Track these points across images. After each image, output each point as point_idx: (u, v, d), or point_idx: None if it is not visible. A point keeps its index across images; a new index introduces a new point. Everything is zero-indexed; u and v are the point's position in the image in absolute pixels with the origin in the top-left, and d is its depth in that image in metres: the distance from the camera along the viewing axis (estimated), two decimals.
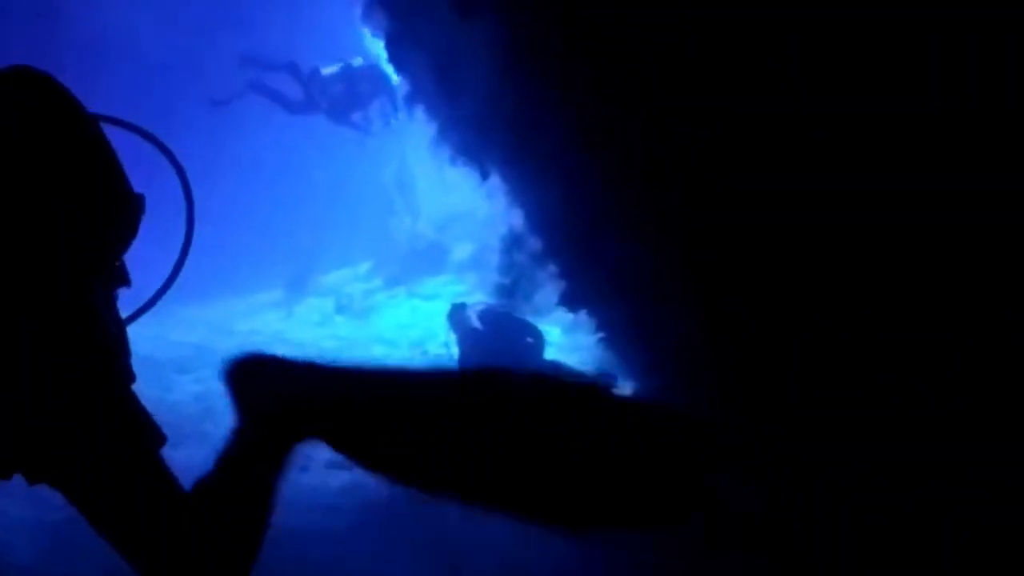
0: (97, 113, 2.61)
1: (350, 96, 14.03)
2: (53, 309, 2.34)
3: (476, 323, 9.22)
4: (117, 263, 2.61)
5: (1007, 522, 3.30)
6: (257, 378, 2.65)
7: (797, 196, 3.39)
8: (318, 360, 2.59)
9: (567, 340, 10.61)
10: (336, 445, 2.48)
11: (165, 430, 2.66)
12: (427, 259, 16.17)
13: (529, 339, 8.98)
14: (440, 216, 17.90)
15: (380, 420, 2.42)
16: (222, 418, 9.11)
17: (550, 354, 10.32)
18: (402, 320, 13.90)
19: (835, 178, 3.23)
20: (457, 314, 9.61)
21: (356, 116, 14.38)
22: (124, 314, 2.73)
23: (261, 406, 2.60)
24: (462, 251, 16.24)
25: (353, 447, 2.47)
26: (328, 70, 13.97)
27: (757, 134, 3.54)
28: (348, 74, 14.01)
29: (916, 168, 3.00)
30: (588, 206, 5.00)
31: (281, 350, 9.27)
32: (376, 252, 18.25)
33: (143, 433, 2.51)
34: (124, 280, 2.68)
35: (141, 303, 3.04)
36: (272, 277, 17.99)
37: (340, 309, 15.08)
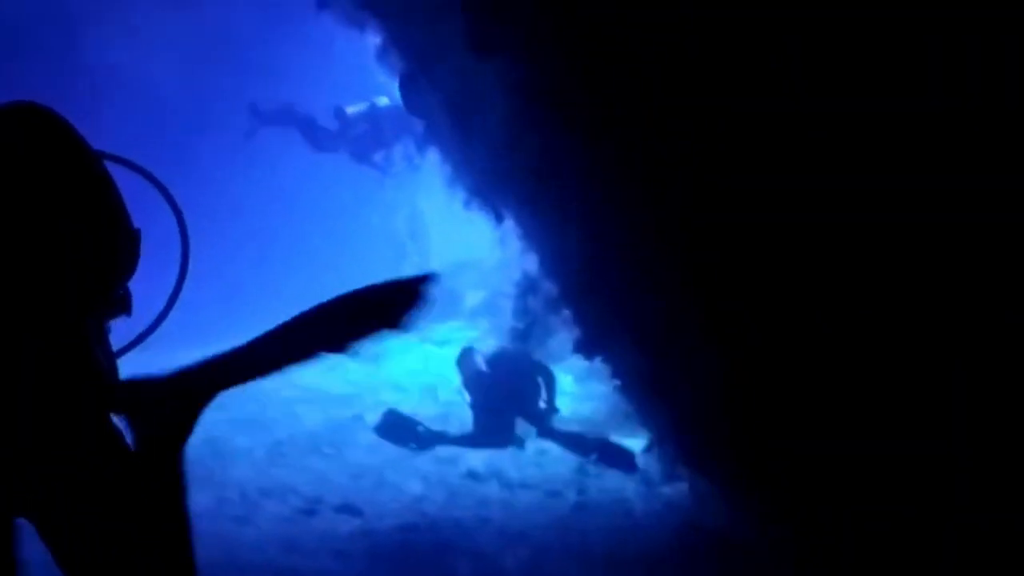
0: (101, 150, 2.70)
1: (374, 136, 13.84)
2: (58, 330, 2.44)
3: (483, 366, 9.10)
4: (119, 293, 2.73)
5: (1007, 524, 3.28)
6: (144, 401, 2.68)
7: (830, 235, 3.34)
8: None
9: (580, 389, 10.51)
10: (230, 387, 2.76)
11: None
12: (439, 305, 16.00)
13: (540, 379, 8.84)
14: (451, 261, 17.85)
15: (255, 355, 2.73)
16: (229, 460, 9.01)
17: (563, 403, 10.22)
18: (414, 366, 13.76)
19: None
20: (465, 358, 9.52)
21: (378, 156, 14.19)
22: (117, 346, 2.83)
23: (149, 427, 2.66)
24: (474, 297, 16.17)
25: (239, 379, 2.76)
26: (353, 108, 13.81)
27: (786, 178, 3.49)
28: (373, 113, 13.89)
29: (924, 168, 2.96)
30: (605, 251, 4.93)
31: (289, 393, 9.16)
32: None
33: (122, 464, 2.54)
34: (125, 309, 2.78)
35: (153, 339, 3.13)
36: (280, 319, 17.88)
37: (351, 354, 14.94)
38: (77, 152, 2.54)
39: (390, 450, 9.24)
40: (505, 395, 9.00)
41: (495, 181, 5.75)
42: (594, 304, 5.17)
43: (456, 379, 11.65)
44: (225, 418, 10.77)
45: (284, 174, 19.49)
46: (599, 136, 4.56)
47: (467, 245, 18.08)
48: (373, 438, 9.76)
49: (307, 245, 20.08)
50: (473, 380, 9.21)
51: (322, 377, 13.78)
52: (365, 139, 13.82)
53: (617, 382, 5.40)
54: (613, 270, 4.94)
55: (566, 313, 5.60)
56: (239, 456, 9.10)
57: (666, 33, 3.79)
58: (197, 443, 8.49)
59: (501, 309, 13.28)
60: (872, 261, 3.33)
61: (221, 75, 18.13)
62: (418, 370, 13.42)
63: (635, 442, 8.62)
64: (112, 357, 2.71)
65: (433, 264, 17.92)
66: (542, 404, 8.98)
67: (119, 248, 2.57)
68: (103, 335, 2.68)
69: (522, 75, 4.70)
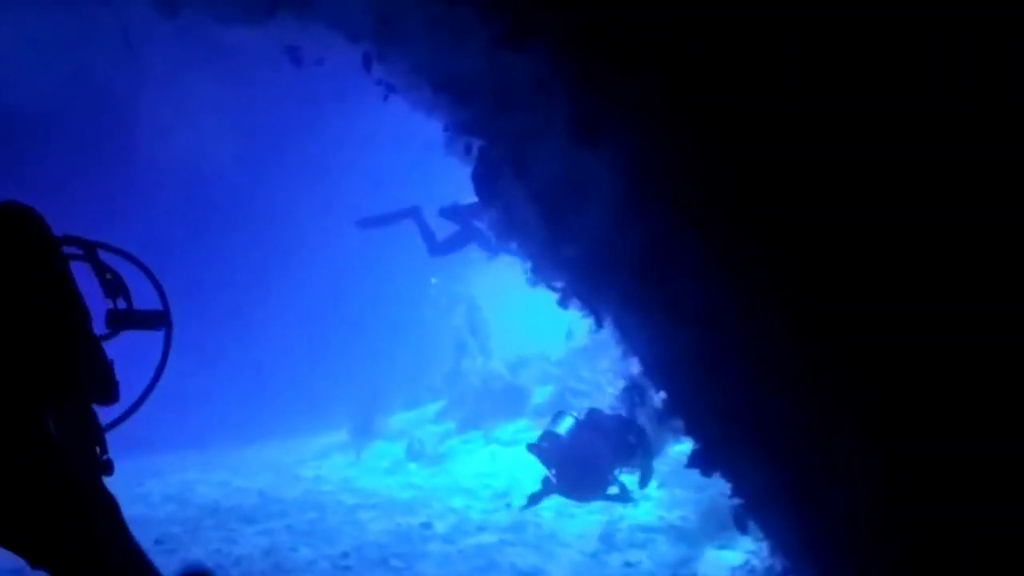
0: (94, 240, 3.39)
1: None
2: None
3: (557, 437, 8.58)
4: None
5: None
6: None
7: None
8: None
9: (665, 495, 9.93)
10: None
11: None
12: (503, 402, 15.52)
13: (631, 438, 8.18)
14: (513, 356, 17.43)
15: None
16: (293, 575, 8.35)
17: (647, 508, 9.63)
18: (481, 468, 13.23)
19: None
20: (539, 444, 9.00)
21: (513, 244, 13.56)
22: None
23: None
24: (540, 394, 15.61)
25: None
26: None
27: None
28: None
29: None
30: (725, 353, 4.41)
31: (349, 500, 8.74)
32: (446, 393, 17.77)
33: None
34: (108, 398, 3.20)
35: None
36: (336, 418, 17.57)
37: (412, 455, 14.42)
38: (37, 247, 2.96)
39: (464, 564, 8.63)
40: (579, 460, 8.45)
41: (592, 277, 5.26)
42: (713, 414, 4.63)
43: (527, 483, 11.14)
44: (283, 526, 10.29)
45: (336, 263, 19.35)
46: (718, 228, 4.09)
47: (528, 339, 17.73)
48: (445, 548, 9.18)
49: (360, 341, 19.81)
50: (547, 455, 8.72)
51: (383, 481, 13.28)
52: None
53: (739, 500, 4.83)
54: (735, 373, 4.41)
55: (677, 422, 5.05)
56: (302, 570, 8.52)
57: (797, 117, 3.43)
58: (257, 555, 7.96)
59: (570, 406, 12.71)
60: None
61: (274, 160, 18.09)
62: (486, 472, 12.88)
63: (732, 554, 8.01)
64: (79, 435, 3.04)
65: (494, 359, 17.51)
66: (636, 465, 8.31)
67: (60, 340, 2.91)
68: (68, 417, 3.01)
69: (632, 161, 4.24)
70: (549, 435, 8.40)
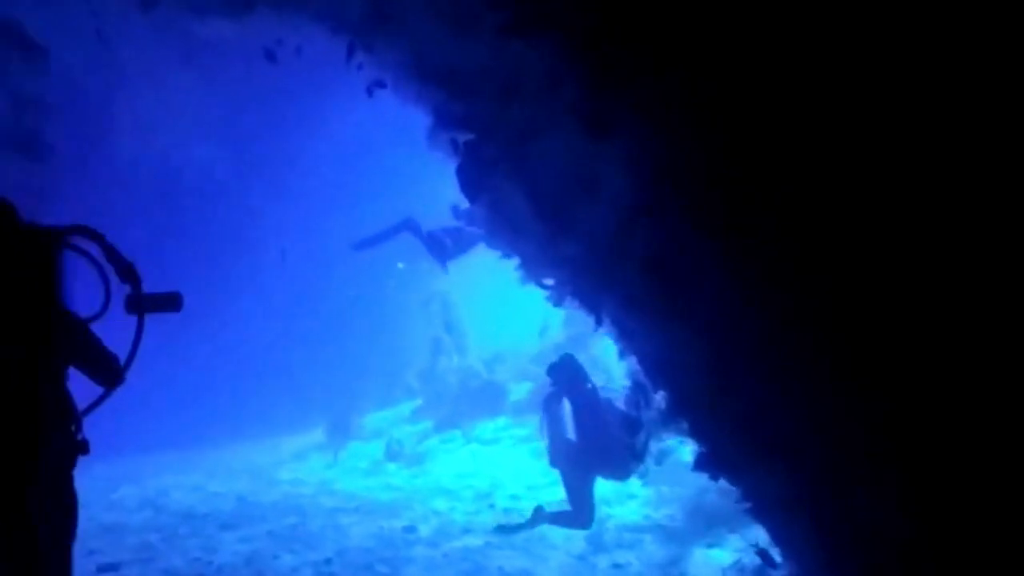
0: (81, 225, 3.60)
1: None
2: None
3: (571, 433, 8.49)
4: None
5: None
6: None
7: None
8: None
9: (652, 493, 9.82)
10: None
11: None
12: (481, 399, 15.36)
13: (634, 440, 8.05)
14: (488, 353, 17.31)
15: None
16: None
17: (633, 507, 9.52)
18: (462, 468, 13.06)
19: None
20: (553, 415, 8.88)
21: None
22: None
23: None
24: (518, 391, 15.46)
25: None
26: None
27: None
28: None
29: None
30: (736, 355, 4.27)
31: (328, 502, 8.56)
32: (421, 392, 17.60)
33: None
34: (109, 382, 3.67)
35: None
36: (311, 418, 17.38)
37: (391, 455, 14.24)
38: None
39: (451, 568, 8.46)
40: (591, 463, 8.37)
41: (593, 276, 5.10)
42: (722, 418, 4.49)
43: (510, 484, 10.99)
44: (264, 531, 10.07)
45: (309, 267, 19.13)
46: (731, 230, 3.94)
47: (499, 335, 17.60)
48: (430, 553, 9.00)
49: (334, 339, 19.61)
50: (561, 450, 8.59)
51: (362, 482, 13.10)
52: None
53: (748, 504, 4.69)
54: (747, 379, 4.27)
55: (683, 425, 4.90)
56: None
57: (818, 113, 3.31)
58: (239, 563, 7.72)
59: None
60: None
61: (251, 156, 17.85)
62: (467, 472, 12.72)
63: (722, 553, 7.90)
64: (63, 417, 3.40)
65: (470, 356, 17.36)
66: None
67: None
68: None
69: (643, 159, 4.08)
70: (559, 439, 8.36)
